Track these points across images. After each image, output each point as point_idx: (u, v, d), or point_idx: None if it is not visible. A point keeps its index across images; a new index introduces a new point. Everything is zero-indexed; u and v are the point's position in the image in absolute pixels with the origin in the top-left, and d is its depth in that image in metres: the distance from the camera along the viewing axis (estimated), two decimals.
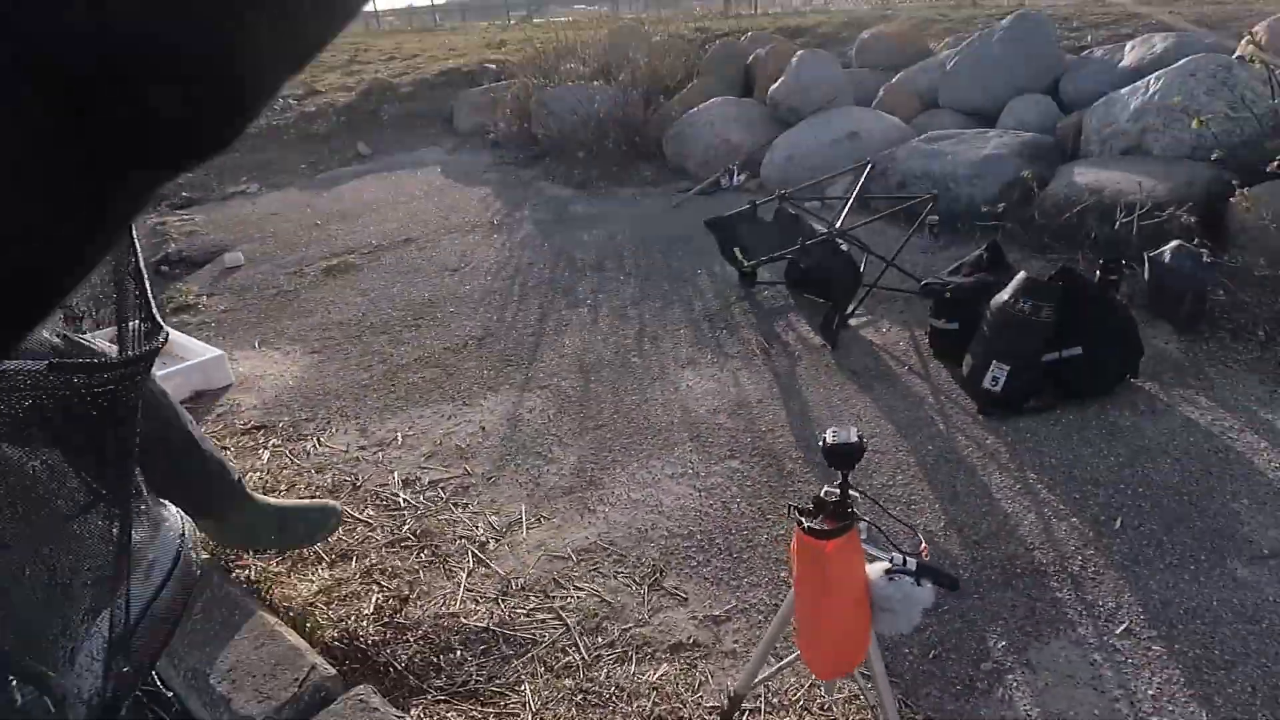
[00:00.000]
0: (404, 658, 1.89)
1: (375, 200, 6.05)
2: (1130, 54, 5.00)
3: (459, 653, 1.90)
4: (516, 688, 1.79)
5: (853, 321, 3.38)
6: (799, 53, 5.85)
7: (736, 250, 3.64)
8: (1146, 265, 3.07)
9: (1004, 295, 2.61)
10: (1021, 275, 2.61)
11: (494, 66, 8.89)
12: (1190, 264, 2.99)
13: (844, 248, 3.31)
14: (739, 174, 5.49)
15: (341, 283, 4.41)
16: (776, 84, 5.77)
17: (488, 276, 4.32)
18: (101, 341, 0.83)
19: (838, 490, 1.20)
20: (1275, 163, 3.09)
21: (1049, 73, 5.15)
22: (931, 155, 4.50)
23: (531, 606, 2.02)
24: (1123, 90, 4.30)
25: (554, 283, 4.15)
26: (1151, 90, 4.10)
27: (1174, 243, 3.08)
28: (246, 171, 6.99)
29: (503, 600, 2.04)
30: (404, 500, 2.49)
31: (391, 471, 2.66)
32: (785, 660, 1.56)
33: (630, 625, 1.93)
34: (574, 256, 4.50)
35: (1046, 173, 4.11)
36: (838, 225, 3.37)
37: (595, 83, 6.82)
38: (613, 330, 3.56)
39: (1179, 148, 3.93)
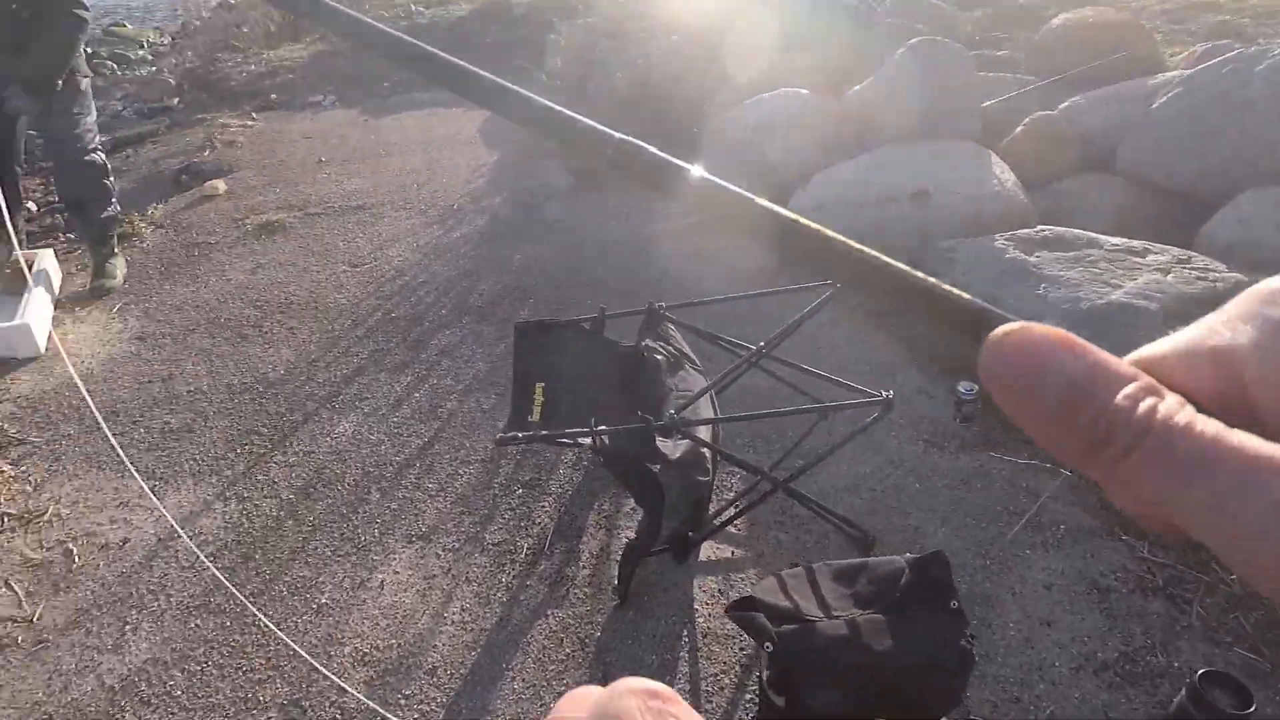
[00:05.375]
0: None
1: (402, 141, 5.31)
2: None
3: None
4: None
5: (709, 552, 2.15)
6: (912, 41, 3.81)
7: (539, 388, 2.15)
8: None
9: None
10: None
11: None
12: None
13: (674, 450, 1.95)
14: None
15: (255, 248, 3.92)
16: (862, 84, 3.97)
17: (367, 287, 3.52)
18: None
19: None
20: None
21: None
22: (1018, 273, 2.62)
23: None
24: None
25: (384, 329, 3.20)
26: None
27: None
28: (336, 81, 6.44)
29: None
30: None
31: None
32: None
33: None
34: (473, 287, 3.46)
35: None
36: (673, 409, 1.94)
37: (674, 37, 5.06)
38: (393, 432, 2.62)
39: None
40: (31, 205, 4.36)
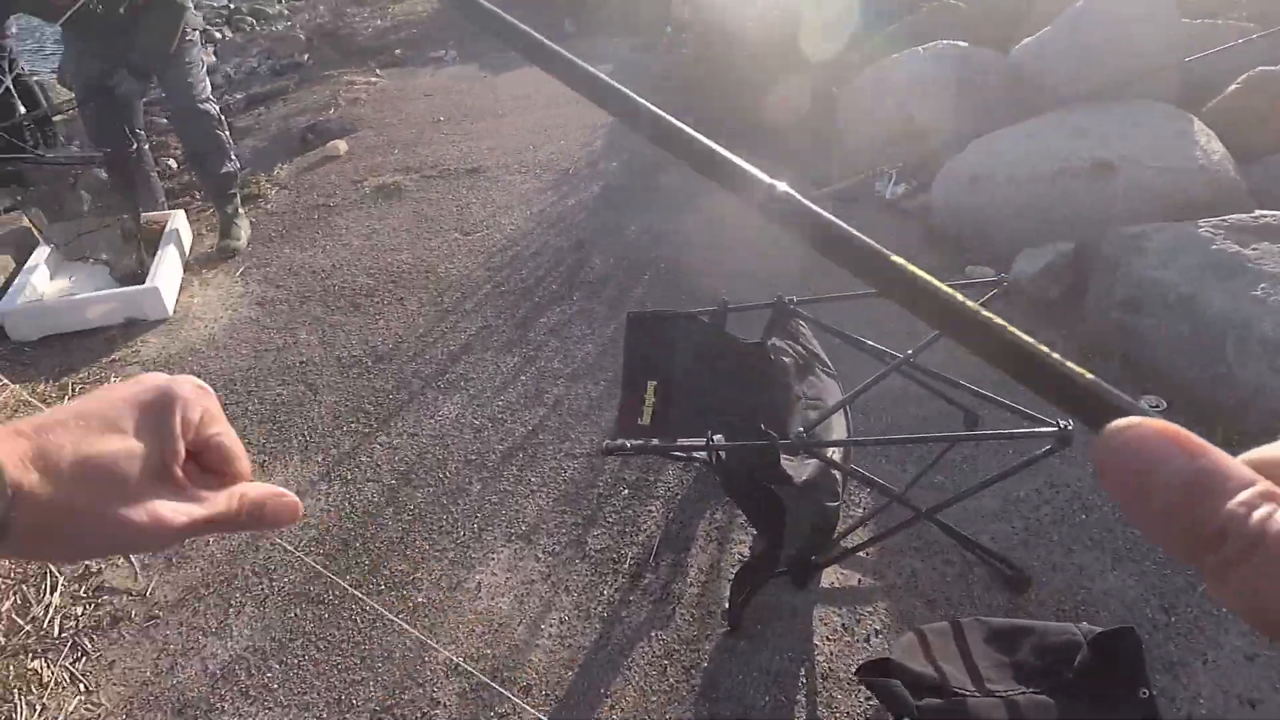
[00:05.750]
0: None
1: (521, 98, 5.16)
2: None
3: None
4: None
5: (833, 577, 1.92)
6: None
7: (651, 387, 1.91)
8: None
9: None
10: None
11: None
12: None
13: (801, 470, 1.77)
14: (896, 182, 3.42)
15: (372, 212, 3.89)
16: (1032, 38, 3.43)
17: (478, 257, 3.41)
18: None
19: None
20: None
21: None
22: (1229, 268, 2.20)
23: None
24: None
25: (509, 306, 3.05)
26: None
27: None
28: (458, 35, 6.38)
29: None
30: None
31: None
32: None
33: None
34: (585, 260, 3.32)
35: None
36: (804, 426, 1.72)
37: None
38: (497, 417, 2.50)
39: None
40: (172, 162, 4.55)
